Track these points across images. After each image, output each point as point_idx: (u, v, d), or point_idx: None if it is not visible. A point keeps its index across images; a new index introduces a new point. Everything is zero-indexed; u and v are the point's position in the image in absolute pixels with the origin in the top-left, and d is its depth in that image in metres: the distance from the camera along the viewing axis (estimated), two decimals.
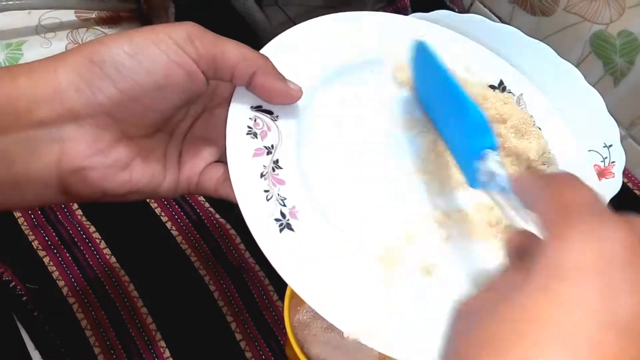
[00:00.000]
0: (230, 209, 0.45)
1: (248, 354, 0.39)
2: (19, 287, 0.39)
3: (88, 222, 0.42)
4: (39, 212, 0.42)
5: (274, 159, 0.29)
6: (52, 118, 0.23)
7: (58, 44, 0.54)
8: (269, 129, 0.30)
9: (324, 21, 0.35)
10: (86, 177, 0.25)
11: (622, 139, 0.53)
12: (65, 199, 0.26)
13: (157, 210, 0.44)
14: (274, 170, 0.29)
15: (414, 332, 0.26)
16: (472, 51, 0.39)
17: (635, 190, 0.54)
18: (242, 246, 0.44)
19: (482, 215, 0.32)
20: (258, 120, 0.29)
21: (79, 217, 0.43)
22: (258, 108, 0.30)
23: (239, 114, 0.29)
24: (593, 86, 0.51)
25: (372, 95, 0.35)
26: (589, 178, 0.37)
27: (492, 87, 0.38)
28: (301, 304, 0.40)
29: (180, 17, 0.47)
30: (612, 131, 0.49)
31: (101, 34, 0.55)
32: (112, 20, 0.57)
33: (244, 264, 0.43)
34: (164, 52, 0.24)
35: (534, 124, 0.37)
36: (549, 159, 0.36)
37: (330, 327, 0.40)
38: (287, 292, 0.34)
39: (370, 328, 0.26)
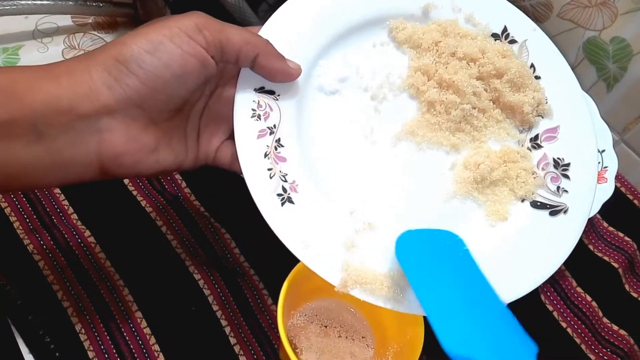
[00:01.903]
0: (225, 214, 0.46)
1: (242, 358, 0.39)
2: (13, 291, 0.39)
3: (83, 227, 0.42)
4: (34, 216, 0.42)
5: (276, 138, 0.32)
6: (90, 112, 0.27)
7: (55, 48, 0.54)
8: (271, 109, 0.33)
9: None
10: (122, 162, 0.29)
11: (615, 144, 0.54)
12: (103, 178, 0.30)
13: (153, 215, 0.44)
14: (276, 149, 0.32)
15: (399, 286, 0.31)
16: None
17: (628, 195, 0.55)
18: (237, 250, 0.44)
19: (469, 173, 0.35)
20: (261, 102, 0.32)
21: (74, 221, 0.43)
22: (261, 89, 0.33)
23: (244, 98, 0.32)
24: (586, 92, 0.51)
25: (370, 62, 0.36)
26: (586, 127, 0.36)
27: (494, 35, 0.38)
28: (295, 308, 0.40)
29: None
30: (605, 136, 0.50)
31: (98, 39, 0.56)
32: (108, 25, 0.57)
33: (238, 268, 0.43)
34: (178, 45, 0.28)
35: (532, 75, 0.37)
36: (545, 110, 0.36)
37: (324, 332, 0.40)
38: (281, 297, 0.34)
39: (359, 283, 0.30)
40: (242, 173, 0.32)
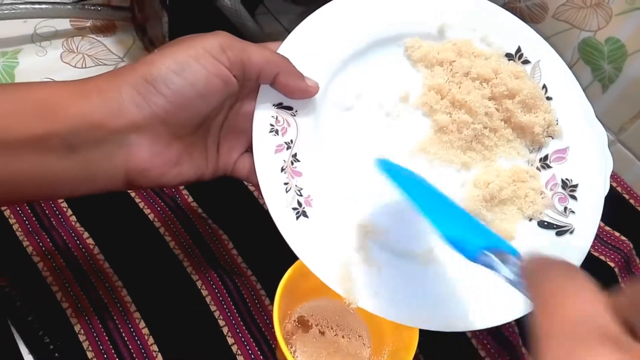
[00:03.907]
0: (222, 215, 0.46)
1: (240, 358, 0.40)
2: (12, 292, 0.39)
3: (82, 228, 0.43)
4: (34, 218, 0.43)
5: (293, 152, 0.33)
6: (119, 129, 0.28)
7: (53, 52, 0.54)
8: (288, 124, 0.33)
9: (333, 7, 0.36)
10: (147, 176, 0.30)
11: (611, 144, 0.54)
12: (128, 189, 0.32)
13: (151, 217, 0.44)
14: (292, 163, 0.33)
15: (399, 299, 0.32)
16: (492, 16, 0.38)
17: (624, 194, 0.55)
18: (234, 251, 0.45)
19: (479, 191, 0.35)
20: (279, 118, 0.33)
21: (73, 223, 0.43)
22: (279, 105, 0.33)
23: (263, 113, 0.33)
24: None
25: (385, 79, 0.36)
26: (595, 149, 0.37)
27: (508, 55, 0.38)
28: (292, 307, 0.40)
29: (173, 26, 0.48)
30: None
31: (96, 42, 0.56)
32: (106, 28, 0.58)
33: (236, 268, 0.44)
34: (203, 66, 0.29)
35: (544, 96, 0.37)
36: (555, 131, 0.37)
37: (320, 332, 0.40)
38: (277, 297, 0.35)
39: (372, 299, 0.31)
40: (259, 186, 0.32)
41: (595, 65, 0.55)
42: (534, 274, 0.21)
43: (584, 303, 0.17)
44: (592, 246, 0.51)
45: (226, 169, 0.34)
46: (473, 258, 0.24)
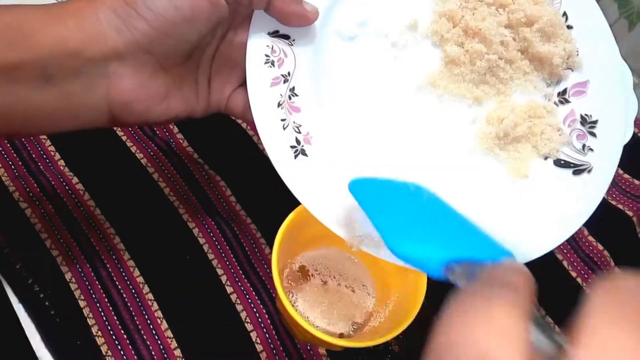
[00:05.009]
0: (219, 160, 0.43)
1: (239, 307, 0.38)
2: (0, 239, 0.37)
3: (71, 174, 0.41)
4: (20, 163, 0.41)
5: (290, 86, 0.30)
6: (98, 57, 0.26)
7: None
8: (285, 55, 0.31)
9: None
10: (132, 110, 0.28)
11: (635, 86, 0.50)
12: (115, 125, 0.29)
13: (144, 161, 0.42)
14: (290, 98, 0.30)
15: None
16: None
17: None
18: (232, 198, 0.42)
19: (491, 128, 0.33)
20: (275, 48, 0.30)
21: (62, 167, 0.41)
22: (275, 33, 0.30)
23: (257, 43, 0.30)
24: None
25: (392, 5, 0.33)
26: (617, 83, 0.34)
27: None
28: (293, 256, 0.39)
29: None
30: (625, 78, 0.47)
31: None
32: None
33: (234, 216, 0.42)
34: None
35: (564, 24, 0.34)
36: (575, 63, 0.34)
37: (322, 281, 0.38)
38: (276, 245, 0.33)
39: (375, 242, 0.29)
40: (254, 123, 0.30)
41: (622, 0, 0.51)
42: (469, 287, 0.19)
43: (479, 340, 0.16)
44: (610, 194, 0.49)
45: (219, 105, 0.32)
46: (434, 276, 0.22)
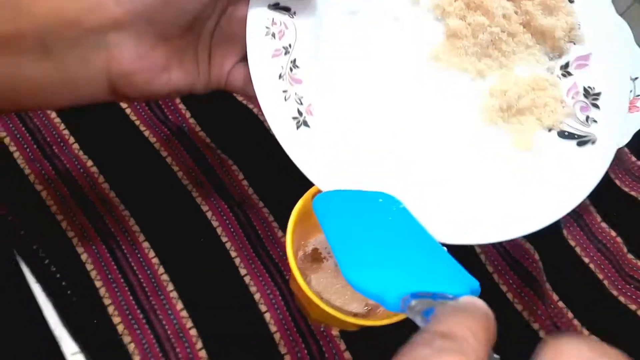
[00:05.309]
0: (231, 145, 0.44)
1: (253, 289, 0.38)
2: (16, 221, 0.37)
3: (85, 156, 0.41)
4: (35, 146, 0.41)
5: (292, 58, 0.31)
6: (97, 27, 0.26)
7: None
8: (286, 27, 0.31)
9: None
10: (132, 81, 0.27)
11: None
12: (115, 99, 0.29)
13: (157, 145, 0.42)
14: (291, 70, 0.30)
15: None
16: None
17: None
18: (244, 182, 0.42)
19: (495, 100, 0.33)
20: (276, 20, 0.30)
21: (76, 151, 0.41)
22: (276, 5, 0.30)
23: (257, 14, 0.30)
24: (621, 15, 0.47)
25: None
26: (619, 55, 0.34)
27: None
28: (306, 238, 0.39)
29: None
30: (638, 64, 0.46)
31: None
32: None
33: (247, 199, 0.42)
34: None
35: None
36: (577, 36, 0.34)
37: (335, 263, 0.38)
38: (290, 224, 0.33)
39: None
40: (255, 97, 0.30)
41: None
42: (425, 330, 0.18)
43: None
44: (623, 181, 0.48)
45: (220, 80, 0.32)
46: (391, 309, 0.21)
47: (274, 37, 0.30)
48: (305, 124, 0.30)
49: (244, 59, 0.31)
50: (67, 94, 0.27)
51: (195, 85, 0.31)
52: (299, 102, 0.30)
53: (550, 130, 0.34)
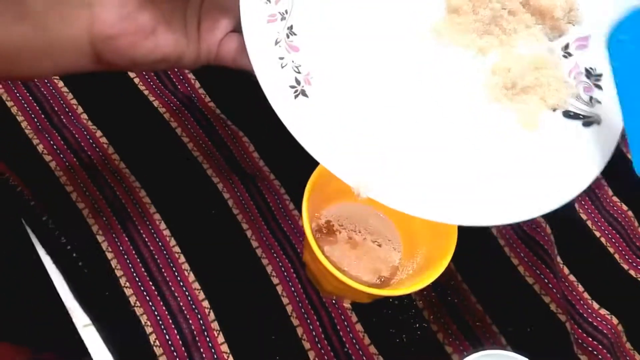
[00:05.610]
0: (242, 116, 0.43)
1: (265, 261, 0.38)
2: (25, 191, 0.37)
3: (94, 127, 0.40)
4: (43, 116, 0.40)
5: (288, 24, 0.29)
6: None
7: None
8: None
9: None
10: (116, 46, 0.26)
11: None
12: (99, 67, 0.27)
13: (167, 116, 0.42)
14: (288, 37, 0.29)
15: (412, 187, 0.29)
16: None
17: None
18: (255, 154, 0.42)
19: (498, 78, 0.32)
20: None
21: (85, 121, 0.40)
22: None
23: None
24: None
25: None
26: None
27: None
28: (318, 210, 0.38)
29: None
30: None
31: None
32: None
33: (258, 172, 0.41)
34: None
35: None
36: (576, 17, 0.34)
37: (348, 235, 0.38)
38: (306, 195, 0.32)
39: (372, 183, 0.28)
40: (247, 68, 0.28)
41: None
42: None
43: None
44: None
45: (210, 50, 0.29)
46: None
47: (270, 2, 0.29)
48: (304, 93, 0.29)
49: (235, 30, 0.29)
50: (48, 61, 0.25)
51: (184, 55, 0.29)
52: (296, 70, 0.29)
53: (555, 110, 0.33)
